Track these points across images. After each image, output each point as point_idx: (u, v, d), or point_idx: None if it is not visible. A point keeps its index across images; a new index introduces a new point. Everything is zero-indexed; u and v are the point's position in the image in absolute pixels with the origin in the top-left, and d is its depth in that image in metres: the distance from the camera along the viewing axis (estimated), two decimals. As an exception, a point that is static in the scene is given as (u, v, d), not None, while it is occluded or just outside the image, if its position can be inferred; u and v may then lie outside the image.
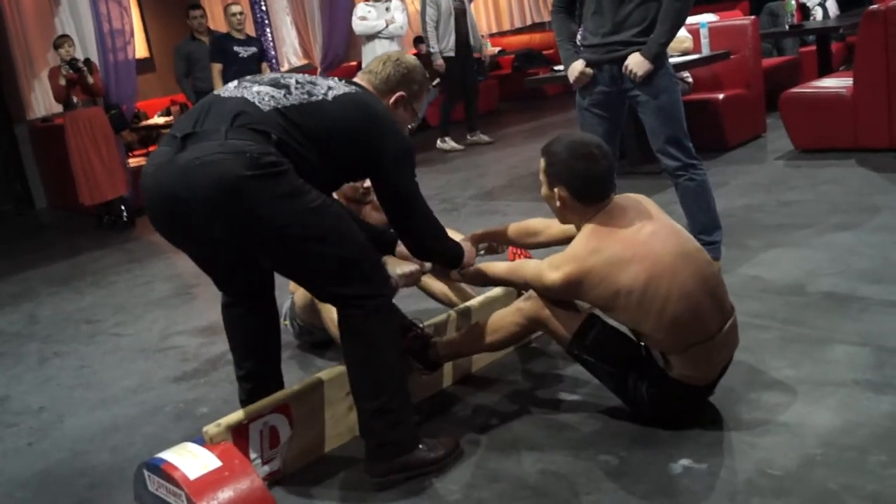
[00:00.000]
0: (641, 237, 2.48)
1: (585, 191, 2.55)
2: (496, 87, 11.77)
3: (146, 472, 2.45)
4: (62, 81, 7.06)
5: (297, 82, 2.50)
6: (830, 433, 2.39)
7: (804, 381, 2.73)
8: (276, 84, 2.48)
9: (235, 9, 7.74)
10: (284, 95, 2.43)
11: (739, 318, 3.21)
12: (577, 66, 3.77)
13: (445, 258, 2.88)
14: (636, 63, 3.50)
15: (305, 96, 2.46)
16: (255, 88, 2.46)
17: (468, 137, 9.03)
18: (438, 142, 8.96)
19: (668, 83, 3.63)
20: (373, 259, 2.50)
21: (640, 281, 2.41)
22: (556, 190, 2.57)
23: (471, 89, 9.02)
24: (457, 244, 2.90)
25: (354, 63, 10.61)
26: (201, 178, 2.25)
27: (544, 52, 12.49)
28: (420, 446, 2.53)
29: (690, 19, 6.78)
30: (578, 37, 3.87)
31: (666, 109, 3.63)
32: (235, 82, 2.55)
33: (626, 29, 3.60)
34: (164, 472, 2.35)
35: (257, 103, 2.39)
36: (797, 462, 2.28)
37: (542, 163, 2.64)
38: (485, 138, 9.13)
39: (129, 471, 2.64)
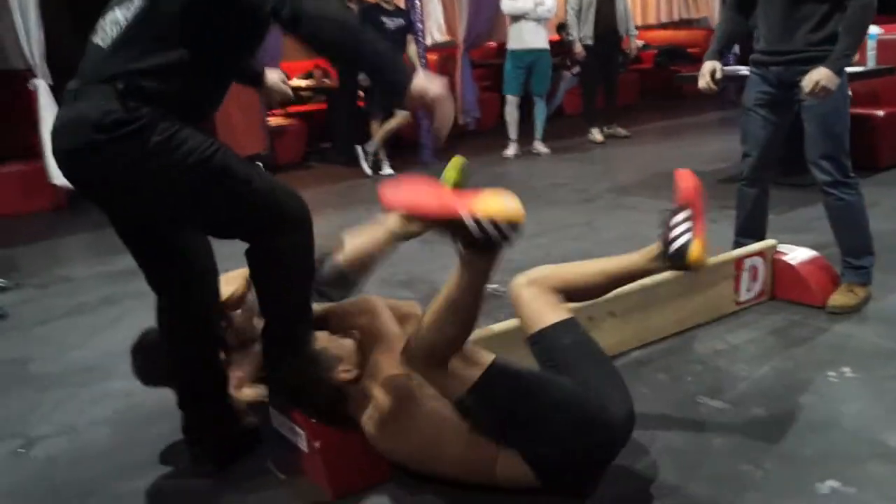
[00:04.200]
0: None
1: None
2: (636, 81, 11.59)
3: (271, 409, 2.59)
4: None
5: None
6: None
7: (961, 416, 2.63)
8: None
9: (385, -21, 7.81)
10: (127, 9, 2.20)
11: (892, 345, 3.16)
12: (707, 66, 3.72)
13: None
14: (827, 78, 3.28)
15: None
16: (108, 18, 2.23)
17: (605, 129, 8.94)
18: (590, 133, 8.89)
19: (839, 94, 3.46)
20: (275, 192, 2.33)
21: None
22: None
23: (611, 81, 8.91)
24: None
25: (495, 44, 10.60)
26: (61, 152, 2.21)
27: (689, 50, 12.21)
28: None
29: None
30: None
31: (831, 120, 3.48)
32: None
33: (797, 37, 3.46)
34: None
35: (100, 43, 2.21)
36: (953, 499, 2.20)
37: None
38: (622, 132, 9.03)
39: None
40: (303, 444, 2.45)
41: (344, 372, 2.36)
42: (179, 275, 2.48)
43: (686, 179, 2.50)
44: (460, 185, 3.26)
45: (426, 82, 2.17)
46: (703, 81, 3.71)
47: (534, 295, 2.44)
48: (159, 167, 2.17)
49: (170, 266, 2.47)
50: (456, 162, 3.30)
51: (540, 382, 2.22)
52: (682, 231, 2.40)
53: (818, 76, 3.28)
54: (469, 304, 2.17)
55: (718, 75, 3.70)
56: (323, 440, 2.39)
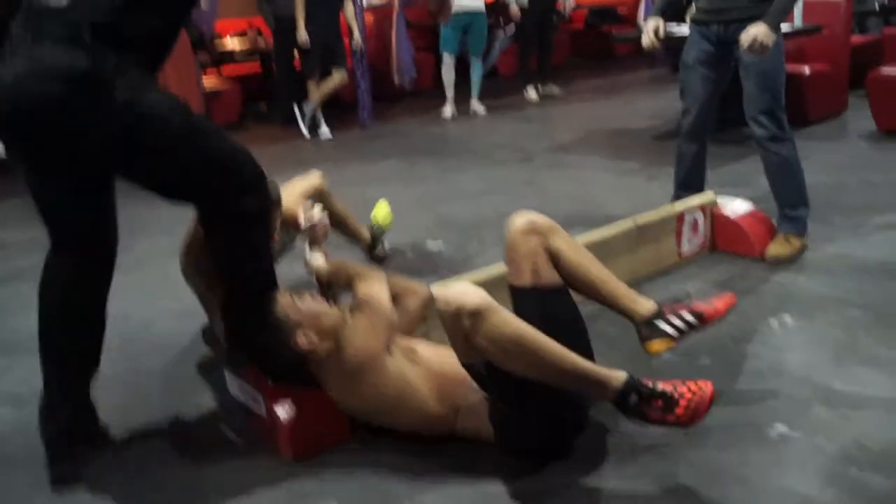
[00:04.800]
0: None
1: None
2: (568, 41, 11.63)
3: (227, 374, 2.60)
4: None
5: None
6: (927, 413, 2.40)
7: (897, 360, 2.73)
8: None
9: (322, -62, 7.67)
10: None
11: (831, 293, 3.27)
12: (651, 23, 3.77)
13: None
14: (764, 34, 3.35)
15: None
16: None
17: (540, 89, 8.96)
18: (525, 92, 8.89)
19: (776, 51, 3.55)
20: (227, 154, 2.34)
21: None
22: None
23: (546, 41, 8.92)
24: None
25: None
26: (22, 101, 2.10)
27: (618, 10, 12.30)
28: None
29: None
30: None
31: (769, 76, 3.56)
32: None
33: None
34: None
35: None
36: (895, 437, 2.29)
37: None
38: (556, 91, 9.08)
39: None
40: (261, 409, 2.44)
41: (303, 337, 2.36)
42: (101, 235, 2.42)
43: (724, 305, 2.58)
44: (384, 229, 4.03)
45: None
46: (647, 39, 3.75)
47: (533, 249, 2.45)
48: (128, 121, 2.13)
49: (91, 225, 2.39)
50: (382, 208, 4.08)
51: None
52: (675, 324, 2.49)
53: (756, 31, 3.34)
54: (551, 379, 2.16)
55: (661, 33, 3.74)
56: (283, 404, 2.39)
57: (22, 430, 2.66)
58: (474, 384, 2.30)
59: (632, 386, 2.15)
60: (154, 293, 3.88)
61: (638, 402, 2.14)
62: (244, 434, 2.55)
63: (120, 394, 2.89)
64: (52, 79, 2.06)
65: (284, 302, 2.40)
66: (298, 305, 2.41)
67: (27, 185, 2.34)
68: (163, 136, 2.19)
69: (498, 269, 2.91)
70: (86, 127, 2.11)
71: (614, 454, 2.34)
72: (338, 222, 3.72)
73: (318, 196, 3.52)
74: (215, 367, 2.97)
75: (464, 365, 2.27)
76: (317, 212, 3.10)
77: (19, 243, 4.69)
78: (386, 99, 8.93)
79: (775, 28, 3.38)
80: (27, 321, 3.52)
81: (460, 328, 2.10)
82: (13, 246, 4.68)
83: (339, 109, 8.15)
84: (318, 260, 2.81)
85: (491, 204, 4.85)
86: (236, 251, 2.40)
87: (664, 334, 2.49)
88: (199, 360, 3.15)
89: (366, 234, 3.98)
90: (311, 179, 3.55)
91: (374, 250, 4.01)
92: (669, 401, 2.14)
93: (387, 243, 4.10)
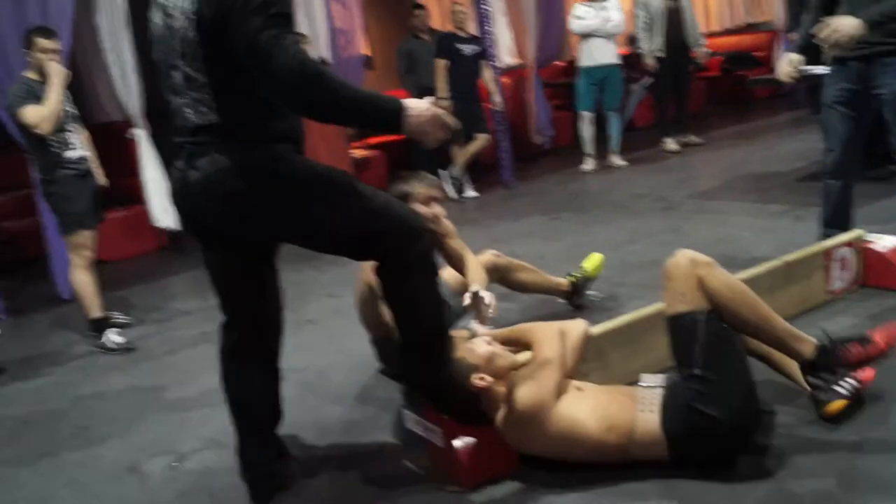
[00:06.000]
0: None
1: None
2: (705, 88, 11.62)
3: (405, 411, 2.85)
4: None
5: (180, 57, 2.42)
6: None
7: None
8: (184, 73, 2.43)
9: (459, 7, 8.07)
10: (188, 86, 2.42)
11: None
12: (789, 56, 3.89)
13: (356, 112, 2.36)
14: (850, 25, 3.31)
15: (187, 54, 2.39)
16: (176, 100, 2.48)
17: (678, 138, 8.99)
18: (663, 143, 8.95)
19: None
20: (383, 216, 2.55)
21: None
22: None
23: (682, 91, 8.99)
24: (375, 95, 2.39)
25: (563, 63, 10.79)
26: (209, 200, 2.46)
27: (755, 54, 12.20)
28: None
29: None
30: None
31: None
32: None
33: (877, 29, 3.56)
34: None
35: (189, 112, 2.45)
36: None
37: None
38: (696, 140, 9.09)
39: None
40: (438, 441, 2.67)
41: (479, 379, 2.59)
42: (270, 307, 2.76)
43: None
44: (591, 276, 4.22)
45: (419, 102, 2.41)
46: (784, 70, 3.85)
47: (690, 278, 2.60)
48: (296, 192, 2.44)
49: (262, 298, 2.73)
50: (595, 259, 4.28)
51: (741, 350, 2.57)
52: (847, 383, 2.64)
53: (840, 22, 3.34)
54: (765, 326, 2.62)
55: (799, 65, 3.83)
56: (460, 437, 2.63)
57: (225, 470, 2.97)
58: (642, 405, 2.48)
59: (828, 340, 2.60)
60: (325, 348, 4.21)
61: (836, 349, 2.56)
62: (423, 466, 2.80)
63: (305, 436, 3.21)
64: (229, 176, 2.41)
65: (461, 345, 2.64)
66: (474, 348, 2.64)
67: (206, 266, 2.70)
68: (327, 198, 2.49)
69: (652, 309, 3.13)
70: (263, 206, 2.44)
71: None
72: (527, 288, 4.06)
73: (493, 272, 3.78)
74: (390, 407, 3.24)
75: (671, 318, 2.54)
76: (487, 294, 3.34)
77: (203, 310, 5.12)
78: (526, 158, 9.18)
79: (866, 25, 3.34)
80: (218, 376, 3.91)
81: (694, 274, 2.55)
82: (196, 312, 5.14)
83: (481, 170, 8.45)
84: (481, 330, 3.03)
85: (635, 253, 4.98)
86: (409, 297, 2.64)
87: (839, 396, 2.63)
88: (374, 404, 3.44)
89: (563, 282, 4.16)
90: (483, 258, 3.78)
91: (573, 297, 4.19)
92: (864, 338, 2.63)
93: (594, 292, 4.32)
